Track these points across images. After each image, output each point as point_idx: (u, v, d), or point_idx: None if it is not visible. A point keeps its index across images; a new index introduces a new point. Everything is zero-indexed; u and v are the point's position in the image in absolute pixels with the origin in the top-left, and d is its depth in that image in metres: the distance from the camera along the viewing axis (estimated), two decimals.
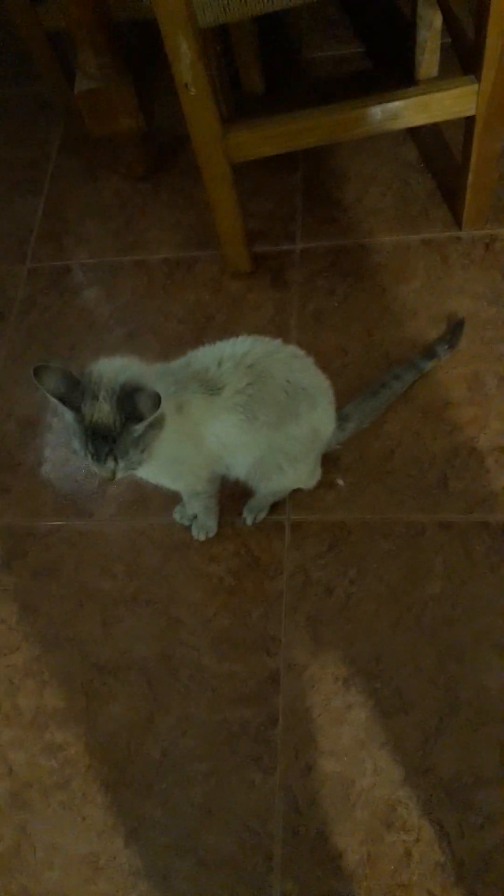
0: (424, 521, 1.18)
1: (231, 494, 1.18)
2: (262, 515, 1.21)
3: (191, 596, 1.17)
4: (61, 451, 1.34)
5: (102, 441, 0.87)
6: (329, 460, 1.21)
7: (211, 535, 1.21)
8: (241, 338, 1.03)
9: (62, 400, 0.86)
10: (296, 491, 1.20)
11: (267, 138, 1.22)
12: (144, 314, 1.46)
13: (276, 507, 1.22)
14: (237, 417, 1.00)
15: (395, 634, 1.11)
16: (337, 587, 1.15)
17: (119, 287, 1.50)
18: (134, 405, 0.85)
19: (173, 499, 1.20)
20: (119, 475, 0.92)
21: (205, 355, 1.02)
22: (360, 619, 1.12)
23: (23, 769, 1.08)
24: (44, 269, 1.55)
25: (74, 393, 0.87)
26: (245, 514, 1.21)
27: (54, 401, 0.86)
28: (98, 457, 0.88)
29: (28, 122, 1.77)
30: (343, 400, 1.16)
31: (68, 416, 0.88)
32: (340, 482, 1.23)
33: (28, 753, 1.09)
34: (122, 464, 0.90)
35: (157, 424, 0.90)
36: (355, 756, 1.03)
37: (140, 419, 0.86)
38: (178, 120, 1.16)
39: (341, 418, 1.16)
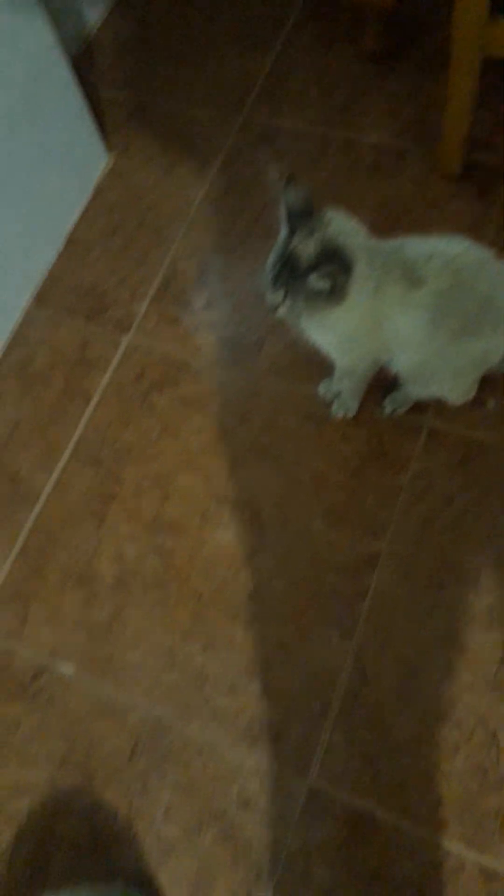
0: None
1: (377, 385, 1.20)
2: (402, 410, 1.23)
3: (316, 465, 1.22)
4: (231, 301, 1.39)
5: (287, 272, 0.94)
6: (487, 380, 1.20)
7: (350, 415, 1.24)
8: (457, 238, 1.03)
9: (289, 216, 0.93)
10: (444, 401, 1.21)
11: None
12: (341, 193, 1.45)
13: (417, 407, 1.23)
14: (425, 316, 1.00)
15: (503, 559, 1.12)
16: (457, 500, 1.17)
17: (323, 161, 1.49)
18: (326, 265, 0.90)
19: (324, 372, 1.24)
20: (280, 312, 0.98)
21: (418, 245, 1.02)
22: (471, 534, 1.14)
23: (132, 560, 1.19)
24: (257, 125, 1.56)
25: (301, 218, 0.93)
26: (386, 403, 1.23)
27: (283, 212, 0.93)
28: (275, 282, 0.95)
29: None
30: None
31: (283, 232, 0.94)
32: (492, 404, 1.22)
33: (139, 549, 1.20)
34: (287, 302, 0.96)
35: (334, 300, 0.95)
36: (431, 651, 1.07)
37: (317, 276, 0.91)
38: (428, 8, 1.12)
39: None
